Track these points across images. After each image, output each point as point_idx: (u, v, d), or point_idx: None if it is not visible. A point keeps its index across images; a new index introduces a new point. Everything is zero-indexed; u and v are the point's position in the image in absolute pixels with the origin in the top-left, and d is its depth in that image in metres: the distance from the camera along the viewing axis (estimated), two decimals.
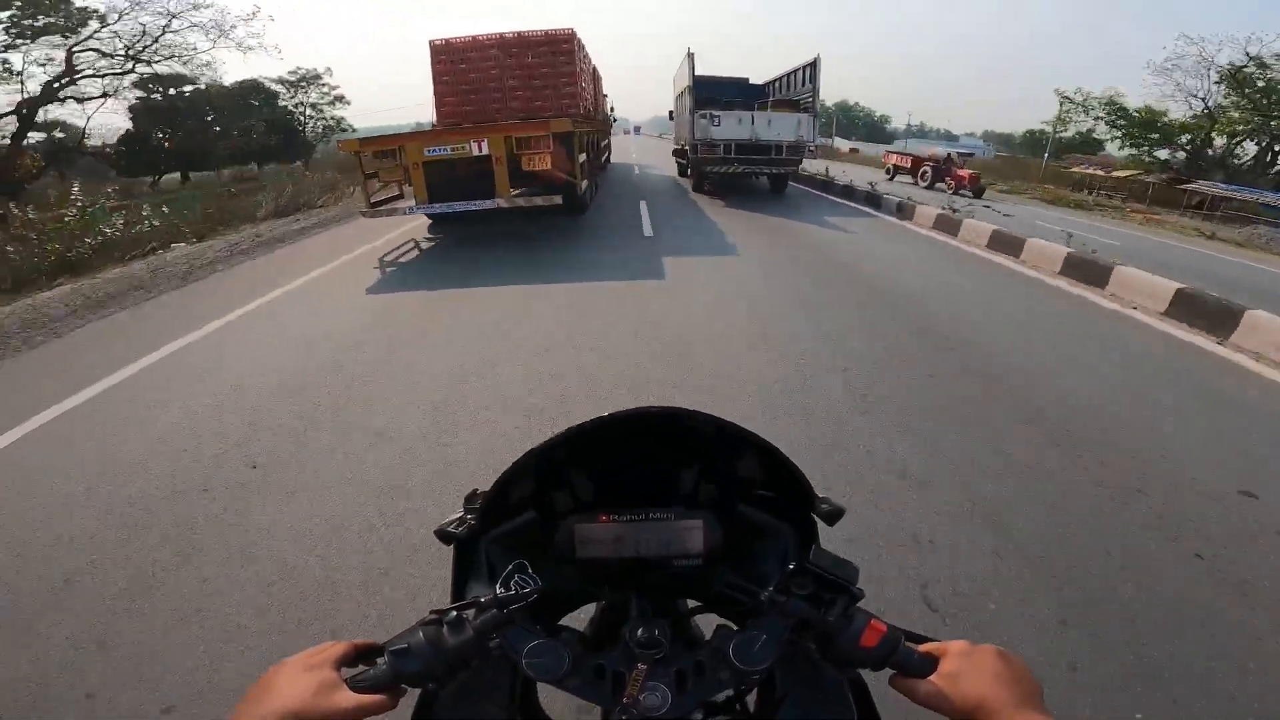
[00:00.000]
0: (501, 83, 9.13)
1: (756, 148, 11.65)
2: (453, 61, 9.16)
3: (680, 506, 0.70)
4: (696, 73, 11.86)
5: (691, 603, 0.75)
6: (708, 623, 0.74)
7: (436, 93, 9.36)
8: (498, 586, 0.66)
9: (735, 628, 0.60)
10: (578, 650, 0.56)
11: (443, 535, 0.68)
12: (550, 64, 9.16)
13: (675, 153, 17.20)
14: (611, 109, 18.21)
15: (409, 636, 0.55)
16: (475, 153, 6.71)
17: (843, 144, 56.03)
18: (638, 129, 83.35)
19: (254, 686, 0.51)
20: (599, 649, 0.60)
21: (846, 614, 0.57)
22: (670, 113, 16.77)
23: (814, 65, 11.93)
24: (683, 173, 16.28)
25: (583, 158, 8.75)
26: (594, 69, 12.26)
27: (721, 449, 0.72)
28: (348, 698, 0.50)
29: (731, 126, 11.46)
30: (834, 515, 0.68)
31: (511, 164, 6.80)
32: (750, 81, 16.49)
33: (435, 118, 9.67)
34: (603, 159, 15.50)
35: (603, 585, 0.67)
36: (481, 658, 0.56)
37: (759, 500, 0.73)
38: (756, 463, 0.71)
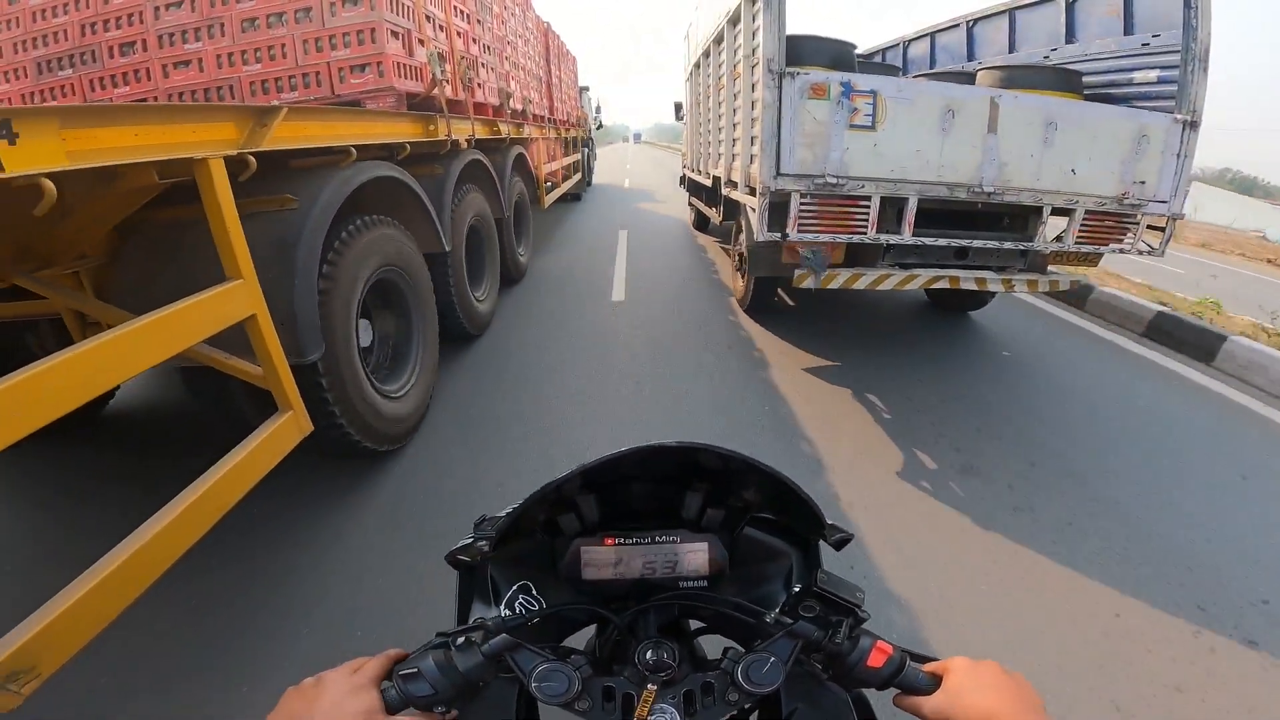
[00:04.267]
0: (133, 13, 2.87)
1: (980, 214, 3.38)
2: None
3: (686, 530, 0.70)
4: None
5: (697, 623, 0.75)
6: (714, 643, 0.74)
7: None
8: (502, 608, 0.67)
9: (742, 649, 0.61)
10: (587, 672, 0.56)
11: (454, 562, 0.67)
12: None
13: (686, 184, 7.98)
14: (598, 110, 14.26)
15: (418, 660, 0.55)
16: None
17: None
18: (638, 136, 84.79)
19: (291, 699, 0.51)
20: (607, 670, 0.60)
21: (853, 636, 0.58)
22: (678, 107, 7.80)
23: None
24: (701, 226, 8.25)
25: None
26: (544, 26, 7.18)
27: (728, 476, 0.72)
28: None
29: (925, 135, 2.88)
30: (842, 542, 0.68)
31: None
32: (843, 41, 3.94)
33: None
34: (577, 178, 10.75)
35: (608, 606, 0.67)
36: (489, 680, 0.56)
37: (764, 523, 0.73)
38: (763, 489, 0.71)
